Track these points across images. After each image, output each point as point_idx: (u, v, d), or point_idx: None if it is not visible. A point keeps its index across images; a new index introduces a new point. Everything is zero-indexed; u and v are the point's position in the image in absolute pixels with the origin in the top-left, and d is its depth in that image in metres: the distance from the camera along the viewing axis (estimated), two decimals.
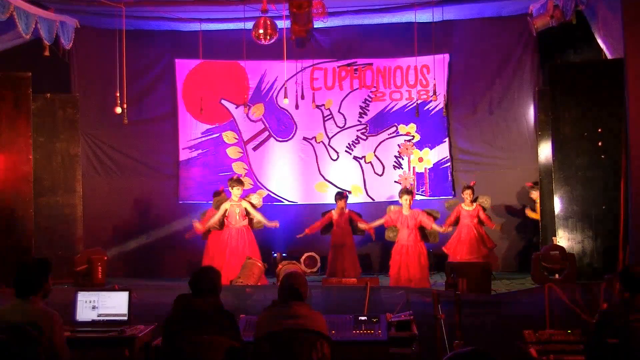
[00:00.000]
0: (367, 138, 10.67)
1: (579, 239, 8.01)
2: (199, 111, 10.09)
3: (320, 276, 9.33)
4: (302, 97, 9.52)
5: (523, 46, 10.19)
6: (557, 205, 8.18)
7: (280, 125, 10.70)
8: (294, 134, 10.69)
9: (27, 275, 3.96)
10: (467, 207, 9.04)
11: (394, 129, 10.64)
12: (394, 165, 10.65)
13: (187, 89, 10.65)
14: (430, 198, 10.40)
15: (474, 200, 9.06)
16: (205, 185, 10.36)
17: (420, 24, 9.64)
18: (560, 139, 8.18)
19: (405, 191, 8.75)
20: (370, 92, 10.67)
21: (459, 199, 9.47)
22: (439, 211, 9.04)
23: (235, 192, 8.58)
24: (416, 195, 9.98)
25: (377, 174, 10.67)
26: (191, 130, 10.65)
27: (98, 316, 4.95)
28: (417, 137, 10.57)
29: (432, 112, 10.51)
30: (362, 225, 9.03)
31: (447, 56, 10.42)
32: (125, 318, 4.93)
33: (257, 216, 8.66)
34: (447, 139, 10.50)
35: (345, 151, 10.70)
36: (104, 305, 4.97)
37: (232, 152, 10.69)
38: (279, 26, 8.07)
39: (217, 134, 10.68)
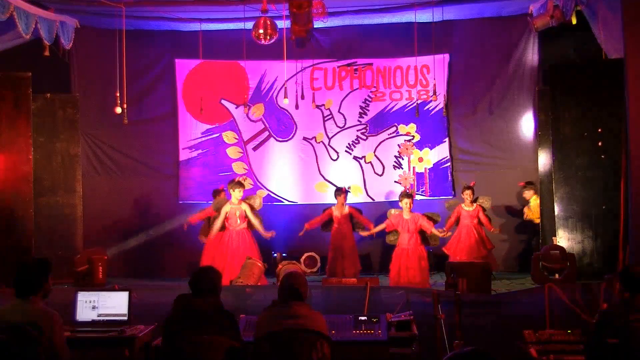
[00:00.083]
0: (367, 138, 10.67)
1: (579, 239, 8.01)
2: (199, 111, 10.09)
3: (320, 276, 9.33)
4: (302, 97, 9.53)
5: (523, 46, 10.18)
6: (557, 205, 8.19)
7: (280, 125, 10.70)
8: (294, 134, 10.69)
9: (27, 275, 3.96)
10: (467, 207, 9.04)
11: (394, 129, 10.64)
12: (394, 165, 10.65)
13: (187, 89, 10.65)
14: (430, 198, 10.40)
15: (474, 200, 9.06)
16: (205, 185, 10.36)
17: (420, 24, 9.64)
18: (560, 139, 8.19)
19: (406, 195, 8.76)
20: (370, 92, 10.67)
21: (459, 199, 9.47)
22: (439, 214, 9.04)
23: (236, 194, 8.56)
24: (416, 196, 9.99)
25: (377, 174, 10.67)
26: (191, 130, 10.65)
27: (98, 316, 4.95)
28: (417, 137, 10.57)
29: (432, 112, 10.51)
30: (363, 233, 9.03)
31: (447, 56, 10.42)
32: (125, 318, 4.93)
33: (255, 222, 8.61)
34: (447, 139, 10.50)
35: (345, 151, 10.70)
36: (104, 305, 4.97)
37: (232, 152, 10.69)
38: (279, 26, 8.07)
39: (217, 134, 10.68)
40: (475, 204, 9.05)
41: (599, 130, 7.87)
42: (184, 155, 10.62)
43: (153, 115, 10.64)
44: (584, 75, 8.09)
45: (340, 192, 9.24)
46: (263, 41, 7.96)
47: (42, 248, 8.52)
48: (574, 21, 8.10)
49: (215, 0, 9.35)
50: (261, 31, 7.87)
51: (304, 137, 10.69)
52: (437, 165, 10.55)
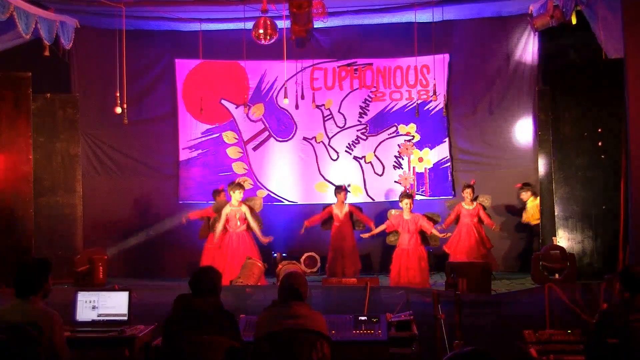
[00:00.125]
0: (367, 138, 10.67)
1: (579, 239, 8.01)
2: (199, 111, 10.09)
3: (320, 276, 9.34)
4: (302, 97, 9.53)
5: (523, 46, 10.18)
6: (557, 205, 8.18)
7: (280, 125, 10.70)
8: (294, 134, 10.69)
9: (27, 275, 3.96)
10: (467, 206, 9.05)
11: (394, 129, 10.64)
12: (394, 165, 10.65)
13: (187, 89, 10.65)
14: (430, 198, 10.40)
15: (474, 199, 9.07)
16: (205, 185, 10.36)
17: (420, 24, 9.64)
18: (560, 139, 8.19)
19: (406, 195, 8.76)
20: (370, 92, 10.67)
21: (459, 199, 9.47)
22: (439, 214, 9.05)
23: (236, 196, 8.55)
24: (416, 196, 9.98)
25: (377, 174, 10.67)
26: (191, 130, 10.65)
27: (98, 316, 4.95)
28: (417, 137, 10.57)
29: (432, 112, 10.51)
30: (364, 235, 9.04)
31: (447, 56, 10.42)
32: (125, 318, 4.93)
33: (253, 226, 8.59)
34: (447, 139, 10.50)
35: (345, 151, 10.70)
36: (104, 305, 4.97)
37: (232, 152, 10.69)
38: (279, 26, 8.07)
39: (217, 134, 10.68)
40: (475, 203, 9.05)
41: (599, 130, 7.87)
42: (184, 155, 10.62)
43: (153, 115, 10.64)
44: (584, 75, 8.09)
45: (341, 189, 9.25)
46: (263, 41, 7.96)
47: (42, 248, 8.52)
48: (574, 21, 8.09)
49: (215, 0, 9.34)
50: (261, 31, 7.87)
51: (304, 137, 10.69)
52: (437, 165, 10.55)
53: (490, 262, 8.35)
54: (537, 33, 9.00)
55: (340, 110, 10.70)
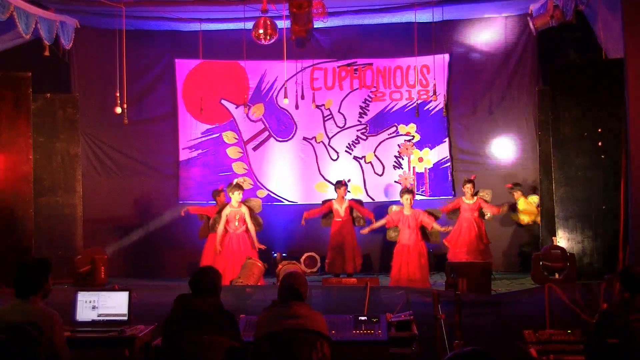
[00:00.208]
0: (367, 138, 10.68)
1: (579, 239, 8.01)
2: (199, 111, 10.09)
3: (320, 276, 9.34)
4: (302, 97, 9.53)
5: (523, 46, 10.19)
6: (557, 205, 8.18)
7: (280, 125, 10.70)
8: (294, 134, 10.69)
9: (27, 275, 3.96)
10: (467, 200, 9.06)
11: (394, 129, 10.64)
12: (394, 165, 10.65)
13: (187, 89, 10.65)
14: (430, 198, 10.40)
15: (475, 194, 9.08)
16: (205, 185, 10.36)
17: (420, 24, 9.64)
18: (560, 139, 8.19)
19: (406, 190, 8.76)
20: (370, 92, 10.67)
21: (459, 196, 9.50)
22: (441, 211, 9.06)
23: (235, 197, 8.54)
24: (416, 195, 9.98)
25: (377, 174, 10.67)
26: (191, 130, 10.65)
27: (98, 316, 4.95)
28: (417, 137, 10.57)
29: (432, 112, 10.51)
30: (364, 231, 9.04)
31: (447, 56, 10.42)
32: (125, 318, 4.93)
33: (251, 229, 8.56)
34: (447, 139, 10.51)
35: (345, 151, 10.70)
36: (104, 305, 4.96)
37: (232, 152, 10.69)
38: (279, 26, 8.07)
39: (217, 134, 10.68)
40: (475, 197, 9.07)
41: (599, 130, 7.87)
42: (184, 155, 10.62)
43: (153, 115, 10.65)
44: (584, 75, 8.09)
45: (340, 184, 9.28)
46: (263, 41, 7.96)
47: (42, 248, 8.52)
48: (574, 21, 8.09)
49: (215, 0, 9.34)
50: (261, 31, 7.87)
51: (304, 137, 10.69)
52: (437, 165, 10.55)
53: (489, 261, 8.37)
54: (537, 33, 8.99)
55: (340, 110, 10.70)
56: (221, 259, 8.47)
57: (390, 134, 10.64)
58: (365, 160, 10.68)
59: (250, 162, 10.67)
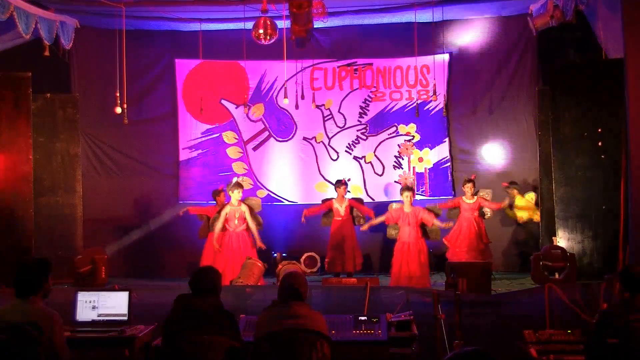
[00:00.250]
0: (367, 138, 10.68)
1: (579, 239, 8.01)
2: (199, 111, 10.09)
3: (320, 276, 9.34)
4: (302, 97, 9.52)
5: (523, 46, 10.19)
6: (557, 205, 8.19)
7: (280, 125, 10.70)
8: (294, 134, 10.69)
9: (27, 275, 3.96)
10: (468, 200, 9.07)
11: (394, 129, 10.64)
12: (394, 165, 10.65)
13: (187, 89, 10.65)
14: (430, 198, 10.39)
15: (475, 193, 9.09)
16: (205, 185, 10.36)
17: (420, 24, 9.65)
18: (560, 139, 8.19)
19: (407, 188, 8.78)
20: (370, 92, 10.67)
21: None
22: (441, 208, 9.08)
23: (235, 195, 8.55)
24: (416, 195, 9.98)
25: (377, 174, 10.67)
26: (191, 130, 10.65)
27: (98, 316, 4.94)
28: (417, 137, 10.57)
29: (432, 112, 10.51)
30: (363, 227, 9.04)
31: (447, 56, 10.42)
32: (125, 318, 4.92)
33: (252, 227, 8.57)
34: (447, 139, 10.51)
35: (345, 151, 10.70)
36: (104, 305, 4.96)
37: (232, 152, 10.69)
38: (279, 26, 8.07)
39: (217, 134, 10.68)
40: (476, 197, 9.07)
41: (599, 130, 7.88)
42: (184, 155, 10.62)
43: (153, 115, 10.64)
44: (584, 75, 8.10)
45: (340, 183, 9.29)
46: (263, 41, 7.96)
47: (42, 248, 8.52)
48: (574, 21, 8.10)
49: (215, 0, 9.34)
50: (261, 31, 7.86)
51: (304, 137, 10.69)
52: (437, 165, 10.55)
53: (489, 261, 8.37)
54: (537, 33, 8.99)
55: (340, 110, 10.70)
56: (221, 258, 8.47)
57: (390, 134, 10.64)
58: (365, 160, 10.68)
59: (250, 162, 10.67)
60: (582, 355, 4.08)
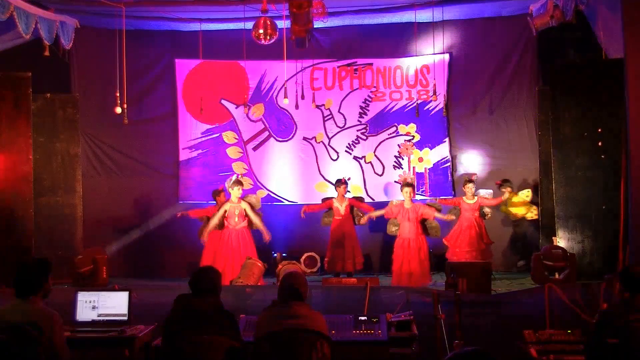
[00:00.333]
0: (367, 138, 10.67)
1: (579, 239, 8.02)
2: (199, 111, 10.09)
3: (320, 276, 9.34)
4: (302, 97, 9.52)
5: (523, 46, 10.18)
6: (557, 205, 8.19)
7: (280, 125, 10.70)
8: (294, 134, 10.69)
9: (27, 275, 3.96)
10: (468, 200, 9.07)
11: (394, 129, 10.64)
12: (394, 165, 10.65)
13: (187, 89, 10.65)
14: (430, 198, 10.39)
15: (475, 194, 9.10)
16: (205, 185, 10.36)
17: (420, 24, 9.65)
18: (560, 139, 8.20)
19: (407, 184, 8.79)
20: (370, 92, 10.67)
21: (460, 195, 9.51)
22: (441, 204, 9.10)
23: (235, 192, 8.57)
24: (416, 196, 9.99)
25: (377, 174, 10.67)
26: (191, 130, 10.65)
27: (98, 316, 4.95)
28: (417, 137, 10.57)
29: (432, 112, 10.51)
30: (362, 220, 9.04)
31: (447, 56, 10.41)
32: (125, 318, 4.93)
33: (254, 219, 8.63)
34: (447, 139, 10.50)
35: (345, 151, 10.70)
36: (104, 305, 4.96)
37: (232, 152, 10.69)
38: (279, 26, 8.07)
39: (217, 134, 10.68)
40: (476, 197, 9.08)
41: (599, 130, 7.88)
42: (184, 155, 10.62)
43: (153, 115, 10.64)
44: (584, 75, 8.10)
45: (340, 182, 9.30)
46: (263, 41, 7.95)
47: (42, 248, 8.52)
48: (574, 21, 8.10)
49: (215, 0, 9.34)
50: (261, 31, 7.86)
51: (304, 137, 10.69)
52: (437, 165, 10.55)
53: (489, 261, 8.38)
54: (537, 33, 8.99)
55: (340, 110, 10.70)
56: (221, 256, 8.50)
57: (390, 134, 10.64)
58: (365, 160, 10.67)
59: (250, 162, 10.67)
60: (582, 355, 4.08)
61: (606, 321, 3.82)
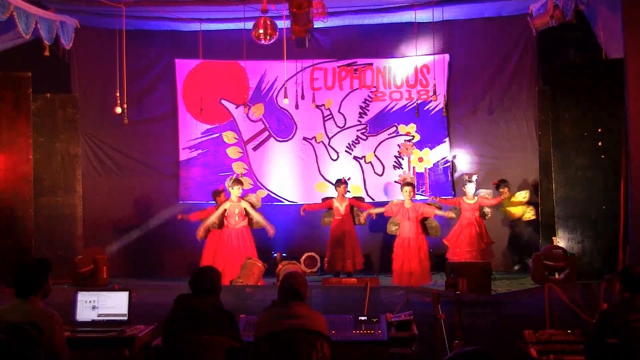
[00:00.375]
0: (367, 138, 10.67)
1: (579, 239, 8.01)
2: (199, 111, 10.09)
3: (320, 276, 9.34)
4: (302, 97, 9.52)
5: (523, 46, 10.18)
6: (557, 205, 8.18)
7: (280, 125, 10.70)
8: (294, 134, 10.69)
9: (27, 275, 3.96)
10: (468, 200, 9.07)
11: (394, 129, 10.64)
12: (394, 165, 10.65)
13: (187, 89, 10.65)
14: (430, 198, 10.38)
15: (475, 194, 9.10)
16: (205, 185, 10.36)
17: (420, 24, 9.64)
18: (560, 139, 8.19)
19: (407, 183, 8.80)
20: (370, 92, 10.67)
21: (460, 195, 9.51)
22: (441, 204, 9.11)
23: (235, 192, 8.58)
24: (416, 196, 9.98)
25: (377, 174, 10.67)
26: (191, 130, 10.65)
27: (98, 316, 4.95)
28: (417, 137, 10.57)
29: (432, 112, 10.51)
30: (362, 216, 9.07)
31: (447, 56, 10.41)
32: (125, 318, 4.93)
33: (256, 217, 8.66)
34: (447, 139, 10.51)
35: (345, 151, 10.70)
36: (104, 305, 4.97)
37: (232, 152, 10.69)
38: (279, 26, 8.07)
39: (217, 134, 10.68)
40: (476, 197, 9.08)
41: (599, 130, 7.87)
42: (184, 155, 10.62)
43: (153, 115, 10.64)
44: (584, 75, 8.09)
45: (340, 182, 9.30)
46: (263, 41, 7.96)
47: (42, 248, 8.52)
48: (574, 21, 8.10)
49: (215, 0, 9.34)
50: (261, 31, 7.86)
51: (304, 137, 10.69)
52: (437, 165, 10.55)
53: (489, 260, 8.38)
54: (537, 33, 8.99)
55: (340, 110, 10.70)
56: (221, 256, 8.50)
57: (390, 134, 10.64)
58: (365, 160, 10.68)
59: (250, 162, 10.67)
60: (582, 355, 4.09)
61: (606, 321, 3.82)
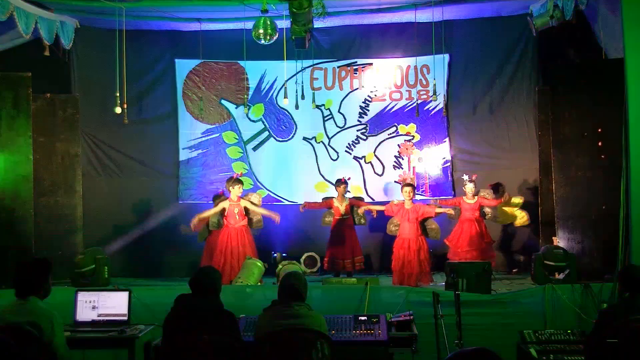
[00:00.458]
0: (367, 138, 10.67)
1: (579, 239, 8.00)
2: (199, 111, 10.08)
3: (320, 276, 9.34)
4: (302, 97, 9.51)
5: (523, 46, 10.18)
6: (557, 205, 8.18)
7: (280, 125, 10.70)
8: (294, 134, 10.69)
9: (27, 275, 3.96)
10: (468, 200, 9.07)
11: (394, 129, 10.64)
12: (394, 165, 10.65)
13: (187, 89, 10.64)
14: (430, 198, 10.38)
15: (476, 194, 9.10)
16: (205, 185, 10.37)
17: (420, 24, 9.64)
18: (560, 139, 8.19)
19: (407, 184, 8.80)
20: (370, 92, 10.66)
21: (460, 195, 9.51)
22: (440, 204, 9.11)
23: (235, 191, 8.59)
24: (416, 196, 9.98)
25: (377, 174, 10.67)
26: (191, 130, 10.65)
27: (98, 316, 4.95)
28: (417, 137, 10.57)
29: (432, 112, 10.51)
30: (361, 209, 9.12)
31: (447, 56, 10.41)
32: (125, 318, 4.93)
33: (259, 210, 8.68)
34: (447, 139, 10.50)
35: (345, 151, 10.70)
36: (104, 305, 4.97)
37: (232, 152, 10.69)
38: (279, 26, 8.07)
39: (217, 134, 10.68)
40: (476, 197, 9.08)
41: (599, 130, 7.87)
42: (184, 155, 10.62)
43: (153, 115, 10.63)
44: (584, 75, 8.08)
45: (340, 182, 9.30)
46: (263, 41, 7.96)
47: (42, 248, 8.51)
48: (574, 21, 8.09)
49: (215, 0, 9.34)
50: (261, 31, 7.86)
51: (304, 137, 10.69)
52: (437, 165, 10.54)
53: (489, 259, 8.38)
54: (537, 33, 8.99)
55: (340, 110, 10.70)
56: (220, 256, 8.50)
57: (390, 134, 10.64)
58: (365, 160, 10.67)
59: (250, 162, 10.67)
60: (582, 355, 4.09)
61: (606, 321, 3.82)
